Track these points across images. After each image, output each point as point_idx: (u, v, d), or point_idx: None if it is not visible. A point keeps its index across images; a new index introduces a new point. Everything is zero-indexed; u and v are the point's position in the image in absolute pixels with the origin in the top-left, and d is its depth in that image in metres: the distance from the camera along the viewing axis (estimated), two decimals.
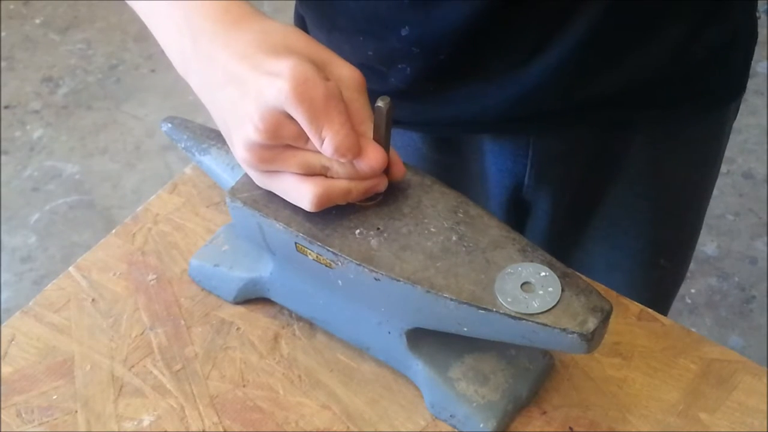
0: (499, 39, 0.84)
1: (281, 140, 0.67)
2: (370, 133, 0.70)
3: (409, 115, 0.94)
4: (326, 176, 0.70)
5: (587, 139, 0.96)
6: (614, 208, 1.02)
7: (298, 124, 0.65)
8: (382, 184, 0.72)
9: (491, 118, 0.92)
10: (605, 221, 1.04)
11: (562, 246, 1.08)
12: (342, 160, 0.67)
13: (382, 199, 0.75)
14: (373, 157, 0.68)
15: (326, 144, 0.65)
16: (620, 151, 0.97)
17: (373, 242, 0.72)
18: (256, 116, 0.65)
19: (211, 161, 0.86)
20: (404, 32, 0.85)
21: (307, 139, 0.67)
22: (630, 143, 0.96)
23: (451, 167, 1.01)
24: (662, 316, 0.88)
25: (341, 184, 0.70)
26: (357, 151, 0.67)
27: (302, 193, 0.70)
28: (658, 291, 1.13)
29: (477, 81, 0.89)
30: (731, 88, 0.98)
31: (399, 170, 0.73)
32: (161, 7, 0.73)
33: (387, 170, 0.72)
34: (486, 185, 1.02)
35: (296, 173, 0.70)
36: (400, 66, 0.88)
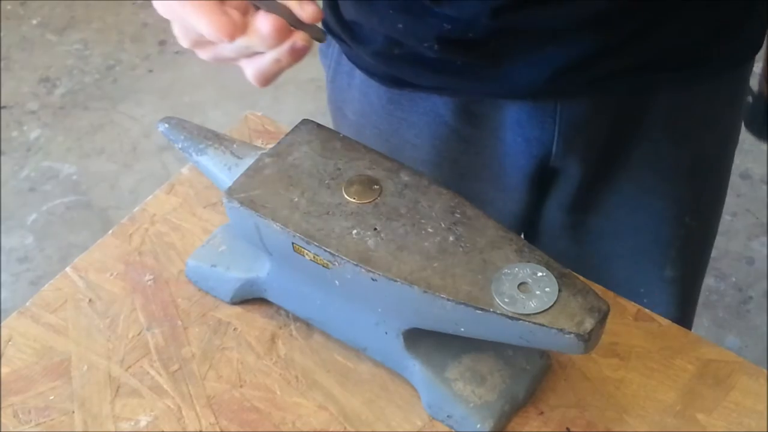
0: (530, 18, 0.85)
1: (185, 39, 0.72)
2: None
3: (433, 81, 0.94)
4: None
5: (613, 103, 0.96)
6: (638, 169, 1.03)
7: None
8: (302, 39, 0.72)
9: (520, 92, 0.93)
10: (630, 182, 1.04)
11: (585, 214, 1.08)
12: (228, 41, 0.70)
13: (379, 199, 0.75)
14: (260, 25, 0.69)
15: (204, 33, 0.68)
16: (643, 112, 0.98)
17: (370, 242, 0.72)
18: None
19: (208, 161, 0.86)
20: (438, 9, 0.85)
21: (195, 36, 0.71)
22: (652, 104, 0.97)
23: (470, 139, 1.01)
24: (659, 316, 0.88)
25: (266, 57, 0.72)
26: (230, 31, 0.68)
27: (246, 75, 0.74)
28: (685, 250, 1.12)
29: (506, 59, 0.89)
30: (752, 43, 0.99)
31: (309, 12, 0.72)
32: None
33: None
34: (509, 159, 1.02)
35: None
36: (428, 42, 0.89)
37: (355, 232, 0.73)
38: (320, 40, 0.74)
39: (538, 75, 0.90)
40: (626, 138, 1.00)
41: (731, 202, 2.33)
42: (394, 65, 0.95)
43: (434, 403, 0.81)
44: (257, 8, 0.70)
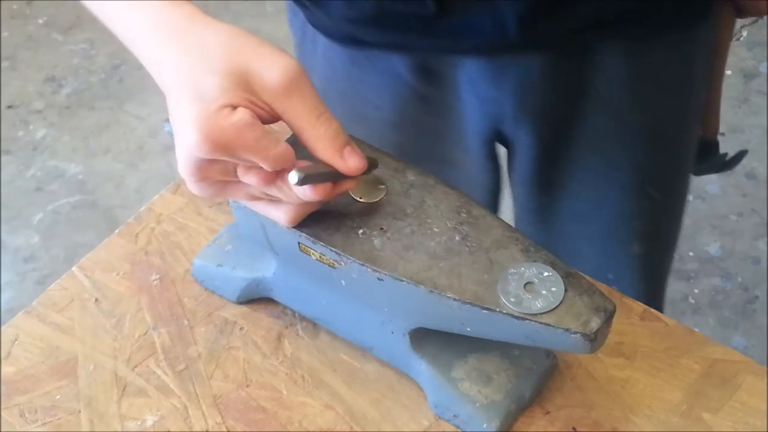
0: None
1: (213, 179, 0.67)
2: (323, 131, 0.67)
3: (387, 38, 0.94)
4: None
5: (563, 62, 0.96)
6: (597, 139, 1.02)
7: (221, 162, 0.65)
8: (349, 188, 0.71)
9: (469, 48, 0.93)
10: (591, 154, 1.04)
11: (551, 194, 1.09)
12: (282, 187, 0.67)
13: (385, 198, 0.75)
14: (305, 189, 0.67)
15: (263, 167, 0.65)
16: (595, 74, 0.97)
17: (377, 242, 0.72)
18: (182, 161, 0.65)
19: None
20: None
21: (235, 171, 0.67)
22: (605, 66, 0.97)
23: (430, 99, 1.01)
24: (665, 316, 0.88)
25: (307, 207, 0.71)
26: (292, 159, 0.65)
27: (276, 216, 0.72)
28: (652, 225, 1.12)
29: (454, 13, 0.89)
30: (695, 8, 0.99)
31: (353, 166, 0.70)
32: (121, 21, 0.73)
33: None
34: (467, 120, 1.02)
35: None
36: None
37: (361, 231, 0.73)
38: (371, 170, 0.73)
39: (486, 30, 0.89)
40: (580, 103, 0.99)
41: (737, 202, 2.33)
42: (351, 25, 0.95)
43: (440, 403, 0.81)
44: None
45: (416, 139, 1.05)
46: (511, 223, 1.12)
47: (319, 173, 0.67)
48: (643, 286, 1.17)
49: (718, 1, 1.03)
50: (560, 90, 0.98)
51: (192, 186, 0.68)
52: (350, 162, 0.68)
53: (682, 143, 1.12)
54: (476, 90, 0.98)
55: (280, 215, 0.71)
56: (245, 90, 0.63)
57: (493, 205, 1.16)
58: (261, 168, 0.65)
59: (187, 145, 0.63)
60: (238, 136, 0.62)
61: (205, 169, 0.65)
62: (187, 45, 0.65)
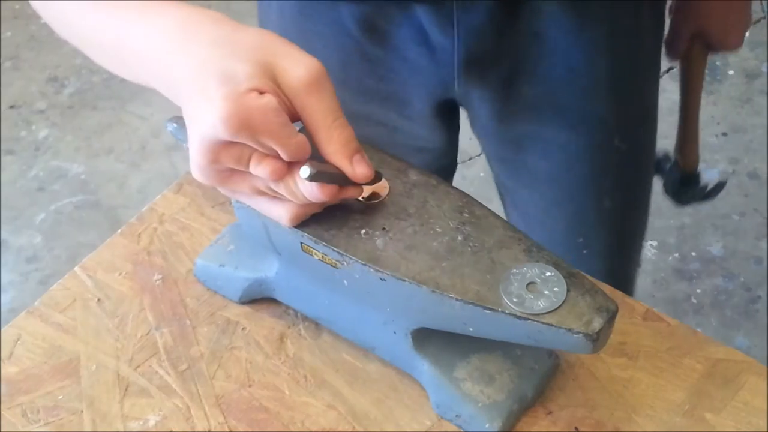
0: None
1: (223, 165, 0.67)
2: (337, 135, 0.68)
3: None
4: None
5: (513, 11, 0.96)
6: (555, 94, 1.03)
7: (238, 147, 0.65)
8: (354, 194, 0.72)
9: None
10: (550, 110, 1.04)
11: (518, 153, 1.10)
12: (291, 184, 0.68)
13: (387, 198, 0.75)
14: (312, 188, 0.67)
15: (281, 155, 0.65)
16: (546, 21, 0.98)
17: (379, 242, 0.72)
18: (197, 144, 0.66)
19: None
20: None
21: (248, 161, 0.66)
22: (555, 15, 0.97)
23: (375, 59, 1.02)
24: (667, 316, 0.88)
25: (311, 207, 0.72)
26: (309, 151, 0.66)
27: (277, 214, 0.72)
28: (621, 178, 1.13)
29: None
30: None
31: (360, 174, 0.70)
32: (123, 36, 0.72)
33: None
34: (411, 86, 1.03)
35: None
36: None
37: (363, 231, 0.73)
38: (376, 182, 0.74)
39: None
40: (531, 52, 0.99)
41: (739, 201, 2.33)
42: None
43: (443, 403, 0.81)
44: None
45: (357, 97, 1.06)
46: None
47: (329, 173, 0.67)
48: (616, 241, 1.19)
49: None
50: (510, 36, 0.98)
51: (199, 171, 0.68)
52: (358, 169, 0.69)
53: (642, 93, 1.12)
54: (425, 39, 0.98)
55: (282, 213, 0.71)
56: (272, 81, 0.65)
57: (446, 170, 1.19)
58: (275, 159, 0.66)
59: (211, 124, 0.63)
60: (264, 118, 0.63)
61: (220, 151, 0.65)
62: (216, 38, 0.66)
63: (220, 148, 0.65)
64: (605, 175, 1.11)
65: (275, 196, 0.70)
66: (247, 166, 0.66)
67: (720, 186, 1.36)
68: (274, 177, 0.66)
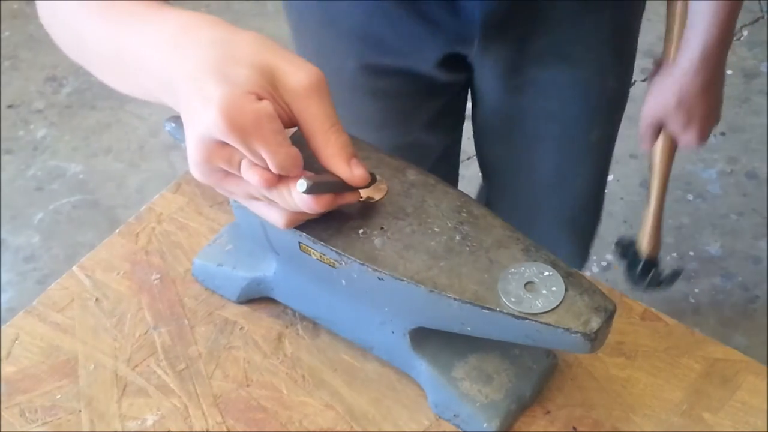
0: None
1: (216, 164, 0.66)
2: (334, 139, 0.68)
3: None
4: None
5: None
6: (561, 42, 1.09)
7: (229, 150, 0.65)
8: (351, 200, 0.72)
9: None
10: (556, 55, 1.10)
11: (518, 96, 1.16)
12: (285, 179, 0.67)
13: (385, 198, 0.75)
14: (306, 200, 0.67)
15: (270, 165, 0.65)
16: None
17: (377, 242, 0.72)
18: (192, 141, 0.66)
19: None
20: None
21: (239, 165, 0.66)
22: None
23: (398, 18, 1.06)
24: (666, 315, 0.88)
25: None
26: (299, 166, 0.66)
27: (272, 218, 0.71)
28: (608, 112, 1.22)
29: None
30: None
31: (358, 178, 0.70)
32: (115, 37, 0.73)
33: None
34: (435, 35, 1.07)
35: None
36: None
37: (361, 231, 0.73)
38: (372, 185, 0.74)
39: None
40: (547, 12, 1.06)
41: (737, 201, 2.33)
42: None
43: (441, 403, 0.81)
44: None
45: (376, 50, 1.10)
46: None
47: (326, 182, 0.67)
48: (598, 170, 1.30)
49: None
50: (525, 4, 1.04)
51: (196, 168, 0.68)
52: (356, 171, 0.69)
53: (633, 36, 1.19)
54: (450, 2, 1.03)
55: (278, 219, 0.71)
56: (270, 86, 0.65)
57: (457, 116, 1.26)
58: (264, 168, 0.65)
59: (205, 122, 0.63)
60: (257, 122, 0.63)
61: (212, 151, 0.65)
62: (215, 40, 0.66)
63: (213, 148, 0.65)
64: (597, 112, 1.19)
65: (269, 202, 0.70)
66: (238, 170, 0.66)
67: (676, 274, 1.46)
68: (263, 185, 0.66)
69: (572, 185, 1.30)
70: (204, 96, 0.63)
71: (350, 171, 0.69)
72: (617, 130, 1.27)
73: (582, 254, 1.49)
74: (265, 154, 0.64)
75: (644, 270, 1.39)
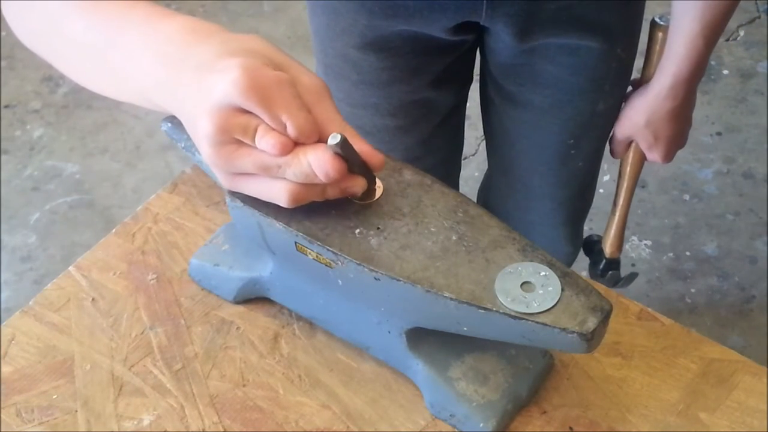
0: None
1: (231, 134, 0.66)
2: (348, 128, 0.69)
3: None
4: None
5: None
6: (572, 5, 1.09)
7: (245, 117, 0.65)
8: (358, 186, 0.71)
9: None
10: (566, 19, 1.11)
11: (522, 63, 1.17)
12: (306, 143, 0.67)
13: (382, 198, 0.75)
14: (323, 162, 0.67)
15: (289, 127, 0.65)
16: None
17: (373, 242, 0.72)
18: (206, 111, 0.66)
19: None
20: None
21: (254, 132, 0.66)
22: None
23: None
24: (662, 315, 0.88)
25: (315, 188, 0.71)
26: (317, 131, 0.67)
27: (277, 194, 0.70)
28: (615, 82, 1.21)
29: None
30: None
31: (376, 162, 0.72)
32: (122, 42, 0.73)
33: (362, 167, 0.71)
34: (444, 6, 1.08)
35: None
36: None
37: (357, 231, 0.73)
38: (369, 197, 0.75)
39: None
40: None
41: (734, 201, 2.34)
42: None
43: (437, 403, 0.81)
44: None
45: (387, 20, 1.11)
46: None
47: (353, 148, 0.68)
48: (599, 142, 1.30)
49: None
50: None
51: (206, 141, 0.67)
52: (376, 158, 0.71)
53: (639, 7, 1.20)
54: None
55: (282, 193, 0.70)
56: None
57: (465, 75, 1.27)
58: (280, 133, 0.66)
59: (223, 89, 0.64)
60: (278, 86, 0.65)
61: (228, 117, 0.65)
62: (226, 39, 0.68)
63: (229, 114, 0.65)
64: (605, 81, 1.19)
65: (276, 176, 0.70)
66: (253, 138, 0.66)
67: (632, 276, 1.54)
68: (278, 150, 0.66)
69: (573, 161, 1.30)
70: (222, 68, 0.65)
71: (371, 147, 0.70)
72: (620, 107, 1.27)
73: (577, 234, 1.51)
74: (285, 117, 0.65)
75: (605, 268, 1.46)
